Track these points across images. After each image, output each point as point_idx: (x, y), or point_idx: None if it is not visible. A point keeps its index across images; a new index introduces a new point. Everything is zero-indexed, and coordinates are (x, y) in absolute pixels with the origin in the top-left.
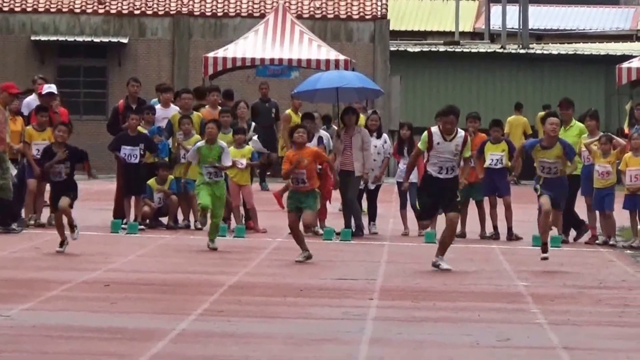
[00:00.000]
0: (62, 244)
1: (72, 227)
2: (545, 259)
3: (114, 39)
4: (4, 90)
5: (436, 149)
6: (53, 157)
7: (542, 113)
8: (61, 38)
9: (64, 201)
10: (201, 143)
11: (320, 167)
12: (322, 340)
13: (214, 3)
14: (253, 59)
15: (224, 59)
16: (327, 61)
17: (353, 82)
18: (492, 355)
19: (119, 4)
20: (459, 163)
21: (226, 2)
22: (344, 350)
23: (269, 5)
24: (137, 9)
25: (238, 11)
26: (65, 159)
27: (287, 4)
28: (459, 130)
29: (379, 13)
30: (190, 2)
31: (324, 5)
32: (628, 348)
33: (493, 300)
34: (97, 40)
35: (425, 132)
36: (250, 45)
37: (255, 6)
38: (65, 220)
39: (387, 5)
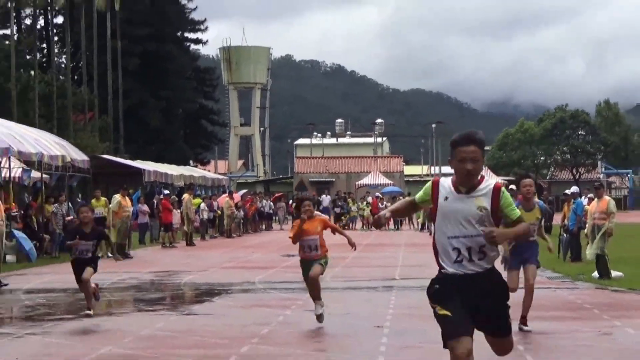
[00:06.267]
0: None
1: (92, 301)
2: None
3: None
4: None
5: (442, 209)
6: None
7: None
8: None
9: (87, 272)
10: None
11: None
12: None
13: None
14: None
15: None
16: None
17: None
18: None
19: None
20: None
21: None
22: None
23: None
24: None
25: None
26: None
27: None
28: (485, 179)
29: None
30: None
31: None
32: None
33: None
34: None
35: (430, 182)
36: None
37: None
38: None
39: None
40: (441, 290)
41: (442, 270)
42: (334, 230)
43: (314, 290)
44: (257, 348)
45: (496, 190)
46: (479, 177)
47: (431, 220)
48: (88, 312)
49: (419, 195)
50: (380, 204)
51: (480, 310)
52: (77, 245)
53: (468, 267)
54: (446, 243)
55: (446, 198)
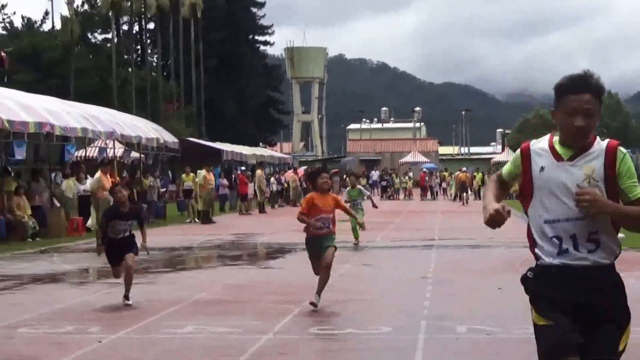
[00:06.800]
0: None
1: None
2: None
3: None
4: None
5: (537, 183)
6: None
7: None
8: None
9: (130, 259)
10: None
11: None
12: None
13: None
14: None
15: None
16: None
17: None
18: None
19: None
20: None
21: None
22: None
23: None
24: None
25: None
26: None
27: None
28: (598, 139)
29: None
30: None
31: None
32: None
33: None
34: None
35: (519, 150)
36: None
37: None
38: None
39: None
40: (539, 291)
41: (539, 262)
42: (344, 210)
43: (325, 279)
44: (324, 295)
45: (611, 150)
46: (590, 138)
47: (463, 190)
48: (127, 302)
49: (506, 168)
50: (427, 177)
51: (584, 318)
52: (116, 225)
53: (575, 259)
54: (543, 230)
55: (542, 168)
